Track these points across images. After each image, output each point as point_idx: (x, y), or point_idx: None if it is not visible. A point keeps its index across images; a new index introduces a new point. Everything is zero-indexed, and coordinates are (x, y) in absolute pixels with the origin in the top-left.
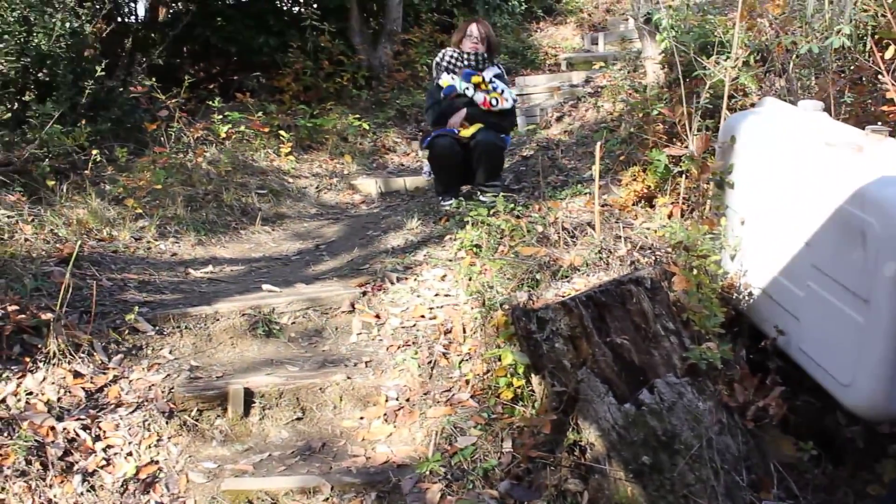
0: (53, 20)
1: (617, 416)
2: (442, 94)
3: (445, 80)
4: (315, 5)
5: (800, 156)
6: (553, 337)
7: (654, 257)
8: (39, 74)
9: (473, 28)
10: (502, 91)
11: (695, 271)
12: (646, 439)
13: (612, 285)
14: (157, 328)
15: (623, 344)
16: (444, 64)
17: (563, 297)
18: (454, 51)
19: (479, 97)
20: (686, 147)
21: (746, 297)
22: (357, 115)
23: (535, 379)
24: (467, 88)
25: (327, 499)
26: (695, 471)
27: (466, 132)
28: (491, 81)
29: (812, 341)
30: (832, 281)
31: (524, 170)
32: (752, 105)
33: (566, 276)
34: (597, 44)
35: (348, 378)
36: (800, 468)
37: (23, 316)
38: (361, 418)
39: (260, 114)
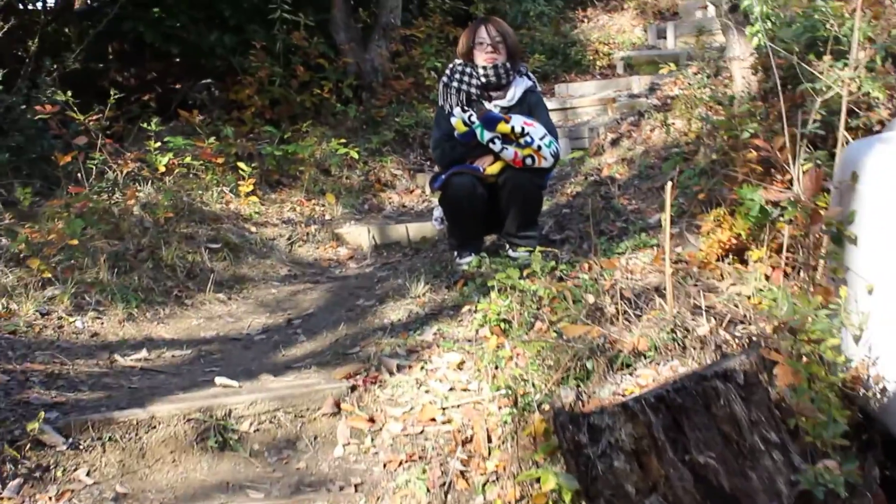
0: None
1: None
2: (457, 136)
3: (459, 120)
4: None
5: None
6: (611, 452)
7: (747, 339)
8: None
9: (483, 32)
10: (539, 147)
11: (805, 359)
12: None
13: (692, 381)
14: (71, 440)
15: (707, 463)
16: (455, 85)
17: (625, 396)
18: (464, 65)
19: (509, 153)
20: (789, 185)
21: (879, 396)
22: (342, 139)
23: None
24: (493, 142)
25: None
26: None
27: (493, 168)
28: (523, 133)
29: None
30: None
31: (568, 213)
32: (882, 126)
33: (628, 366)
34: (665, 37)
35: None
36: None
37: None
38: None
39: (212, 139)
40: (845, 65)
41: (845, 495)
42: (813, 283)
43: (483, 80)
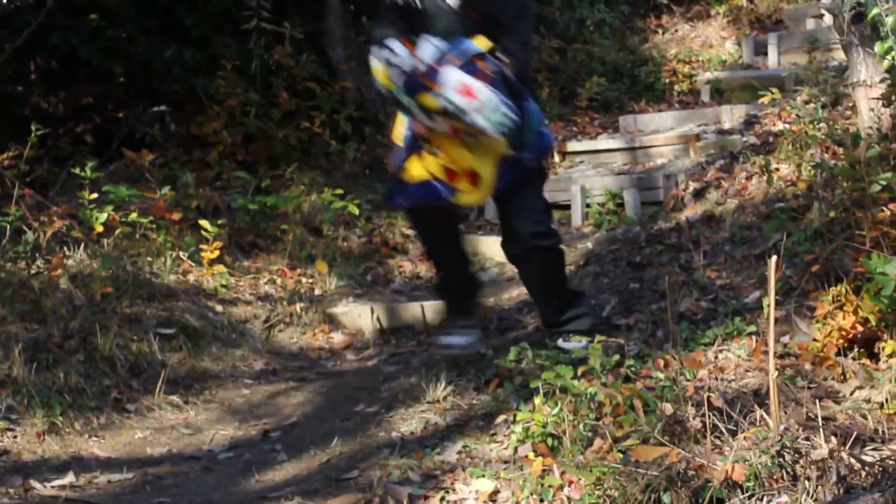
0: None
1: None
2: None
3: (377, 65)
4: None
5: None
6: None
7: (881, 465)
8: None
9: None
10: (483, 128)
11: None
12: None
13: None
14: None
15: None
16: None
17: None
18: None
19: (443, 126)
20: None
21: None
22: (338, 190)
23: None
24: (415, 113)
25: None
26: None
27: (469, 195)
28: (458, 110)
29: None
30: None
31: (637, 289)
32: None
33: (720, 501)
34: (765, 54)
35: None
36: None
37: None
38: None
39: (166, 188)
40: None
41: None
42: None
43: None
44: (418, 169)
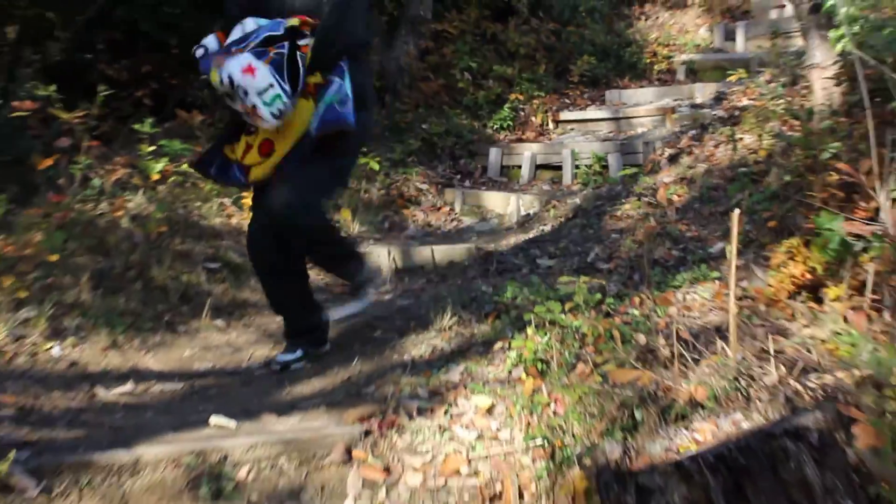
0: None
1: None
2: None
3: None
4: None
5: None
6: None
7: (823, 391)
8: None
9: None
10: (254, 105)
11: (890, 418)
12: None
13: (757, 439)
14: (44, 485)
15: None
16: None
17: (679, 453)
18: None
19: (238, 107)
20: (875, 215)
21: None
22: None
23: None
24: (220, 84)
25: None
26: None
27: (257, 169)
28: (233, 85)
29: None
30: None
31: (617, 238)
32: None
33: (683, 418)
34: (733, 39)
35: None
36: None
37: None
38: None
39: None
40: None
41: None
42: None
43: None
44: (240, 147)
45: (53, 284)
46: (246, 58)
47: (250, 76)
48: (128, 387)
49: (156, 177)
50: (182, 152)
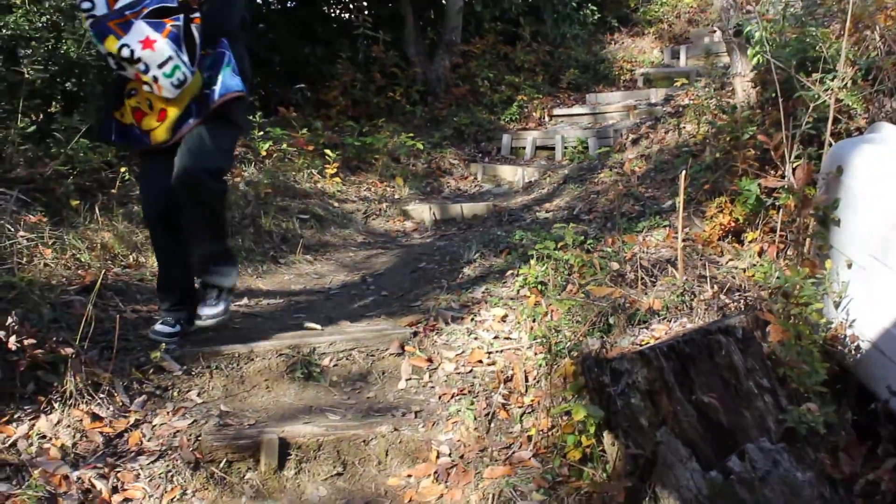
0: (84, 26)
1: (701, 484)
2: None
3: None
4: (367, 13)
5: None
6: (629, 391)
7: (744, 302)
8: (67, 84)
9: None
10: (155, 77)
11: (793, 320)
12: None
13: (698, 334)
14: (185, 368)
15: (709, 402)
16: None
17: (641, 345)
18: None
19: (129, 73)
20: (782, 177)
21: (853, 352)
22: (410, 134)
23: (607, 438)
24: (107, 59)
25: None
26: None
27: (159, 131)
28: (133, 59)
29: None
30: None
31: (595, 197)
32: (859, 131)
33: (644, 322)
34: (678, 58)
35: (395, 430)
36: None
37: (40, 350)
38: (409, 476)
39: (304, 130)
40: (832, 80)
41: (823, 432)
42: (800, 257)
43: None
44: (127, 112)
45: None
46: (143, 29)
47: (150, 50)
48: (244, 301)
49: (263, 153)
50: (281, 137)
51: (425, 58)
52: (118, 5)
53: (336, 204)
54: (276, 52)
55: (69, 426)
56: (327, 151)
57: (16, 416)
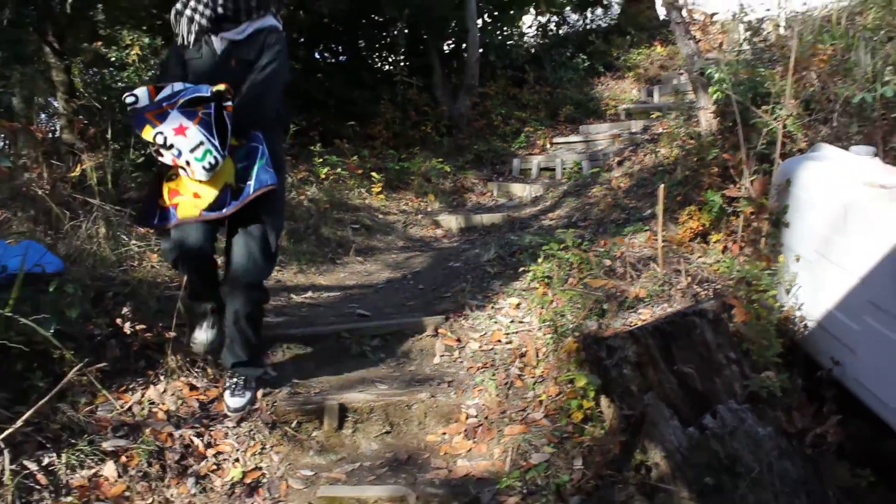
0: None
1: (681, 438)
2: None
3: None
4: (404, 63)
5: (854, 197)
6: (621, 364)
7: (712, 290)
8: None
9: None
10: (188, 161)
11: (754, 304)
12: (709, 462)
13: (678, 317)
14: (264, 347)
15: (688, 372)
16: (188, 13)
17: (631, 326)
18: None
19: (166, 159)
20: (740, 188)
21: (802, 330)
22: (439, 159)
23: (603, 401)
24: (153, 141)
25: None
26: (755, 493)
27: (187, 205)
28: (166, 145)
29: (869, 372)
30: (890, 316)
31: (589, 208)
32: (801, 151)
33: (632, 307)
34: (652, 96)
35: (432, 396)
36: (857, 494)
37: (148, 334)
38: (444, 434)
39: (354, 157)
40: (780, 110)
41: (780, 395)
42: (758, 253)
43: (219, 9)
44: (165, 194)
45: None
46: (177, 118)
47: (182, 136)
48: (309, 294)
49: (323, 176)
50: (336, 163)
51: (450, 98)
52: (158, 97)
53: (381, 216)
54: (331, 96)
55: (172, 394)
56: (373, 174)
57: (130, 387)
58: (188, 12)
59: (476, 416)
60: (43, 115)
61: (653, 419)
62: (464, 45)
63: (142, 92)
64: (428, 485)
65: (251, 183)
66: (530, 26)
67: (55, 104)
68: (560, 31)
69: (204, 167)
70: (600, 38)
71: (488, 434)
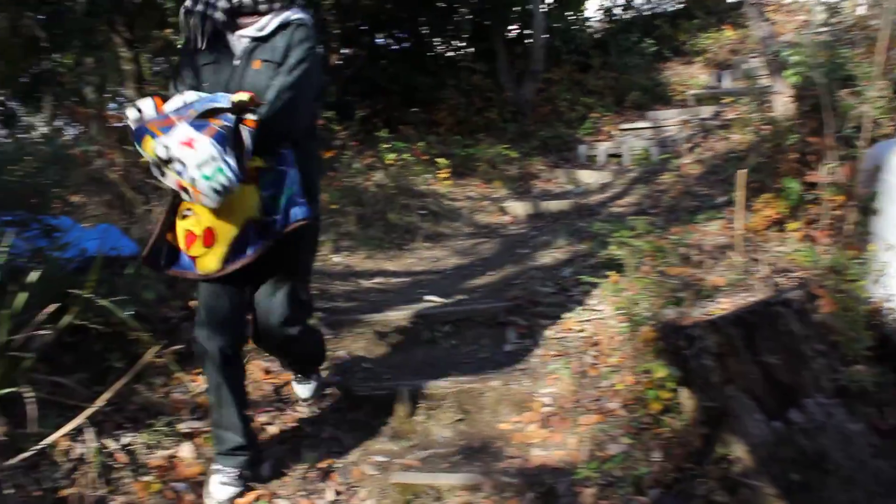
0: None
1: (766, 432)
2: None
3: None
4: (467, 49)
5: None
6: (701, 354)
7: (797, 280)
8: None
9: None
10: (193, 179)
11: (841, 295)
12: (794, 457)
13: (761, 306)
14: (335, 332)
15: (773, 363)
16: (199, 9)
17: (711, 316)
18: None
19: (170, 181)
20: (828, 173)
21: (893, 322)
22: (505, 145)
23: (683, 393)
24: (154, 155)
25: (487, 496)
26: (847, 492)
27: (207, 258)
28: (169, 160)
29: None
30: None
31: (659, 195)
32: (886, 136)
33: (709, 296)
34: (722, 81)
35: (505, 384)
36: None
37: None
38: (517, 422)
39: (420, 143)
40: (868, 93)
41: (872, 390)
42: (844, 242)
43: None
44: (179, 235)
45: (334, 223)
46: (185, 129)
47: (189, 149)
48: (378, 279)
49: (389, 162)
50: (402, 149)
51: (515, 84)
52: (165, 108)
53: (447, 202)
54: (396, 83)
55: (249, 378)
56: (438, 160)
57: None
58: (200, 7)
59: (551, 405)
60: (113, 104)
61: (735, 411)
62: (528, 31)
63: (147, 105)
64: (502, 473)
65: (278, 217)
66: (596, 10)
67: (124, 92)
68: (625, 16)
69: (213, 188)
70: (667, 23)
71: (563, 423)
